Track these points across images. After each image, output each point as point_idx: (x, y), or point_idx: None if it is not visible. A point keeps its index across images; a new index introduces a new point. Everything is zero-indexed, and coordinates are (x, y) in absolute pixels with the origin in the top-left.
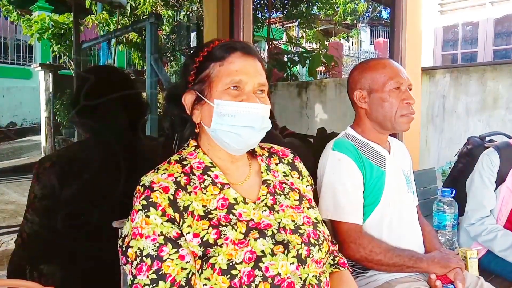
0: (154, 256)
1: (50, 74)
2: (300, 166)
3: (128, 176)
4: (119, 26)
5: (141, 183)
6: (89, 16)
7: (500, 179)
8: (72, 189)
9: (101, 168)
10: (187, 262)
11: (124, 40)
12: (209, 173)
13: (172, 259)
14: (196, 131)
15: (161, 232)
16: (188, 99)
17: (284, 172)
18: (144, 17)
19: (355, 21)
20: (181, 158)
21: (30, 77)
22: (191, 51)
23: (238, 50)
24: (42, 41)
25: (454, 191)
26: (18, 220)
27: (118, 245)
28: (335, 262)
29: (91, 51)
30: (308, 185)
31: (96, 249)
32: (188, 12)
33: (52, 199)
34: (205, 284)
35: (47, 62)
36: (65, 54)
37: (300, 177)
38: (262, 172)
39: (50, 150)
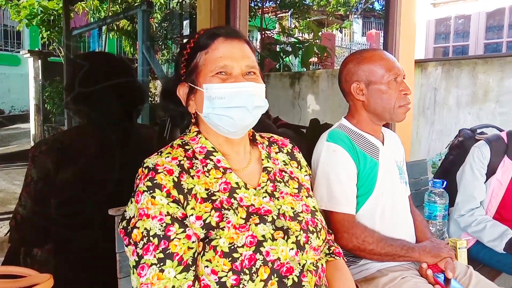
0: (161, 236)
1: (40, 61)
2: (299, 156)
3: (123, 163)
4: (110, 13)
5: (144, 165)
6: (80, 2)
7: (491, 171)
8: (67, 174)
9: (96, 154)
10: (193, 242)
11: (115, 28)
12: (211, 157)
13: (179, 239)
14: (192, 121)
15: (168, 212)
16: (182, 91)
17: (284, 161)
18: (136, 4)
19: (348, 12)
20: (184, 142)
21: (18, 63)
22: (182, 45)
23: (221, 35)
24: (30, 27)
25: (445, 183)
26: (8, 208)
27: (121, 227)
28: (331, 251)
29: (81, 38)
30: (307, 175)
31: (91, 236)
32: (180, 0)
33: (47, 183)
34: (207, 266)
35: (36, 49)
36: (54, 41)
37: (299, 167)
38: (262, 159)
39: (39, 138)
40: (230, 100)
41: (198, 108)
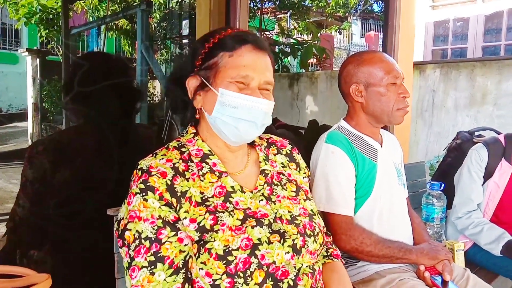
0: (153, 239)
1: (38, 59)
2: (298, 157)
3: (122, 163)
4: (109, 13)
5: (138, 167)
6: (79, 1)
7: (488, 174)
8: (64, 175)
9: (94, 154)
10: (185, 245)
11: (114, 27)
12: (207, 160)
13: (171, 242)
14: (197, 116)
15: (159, 215)
16: (192, 83)
17: (282, 163)
18: (135, 3)
19: (346, 14)
20: (180, 144)
21: (16, 62)
22: (204, 36)
23: (249, 42)
24: (29, 25)
25: (443, 185)
26: (5, 206)
27: (115, 229)
28: (329, 253)
29: (80, 37)
30: (305, 177)
31: (89, 237)
32: (180, 0)
33: (44, 184)
34: (201, 268)
35: (35, 48)
36: (53, 40)
37: (298, 169)
38: (260, 162)
39: (37, 137)
40: (242, 111)
41: (205, 107)
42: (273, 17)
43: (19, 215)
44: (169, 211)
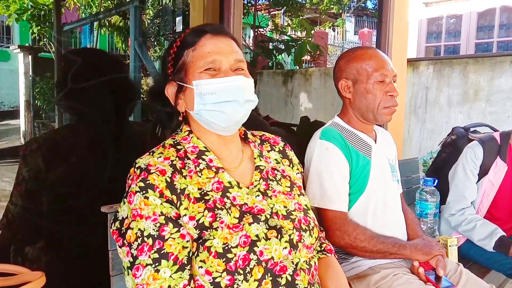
0: (156, 236)
1: (30, 56)
2: (291, 154)
3: (116, 161)
4: (102, 9)
5: (136, 165)
6: None
7: (483, 172)
8: (58, 173)
9: (88, 152)
10: (187, 241)
11: (107, 24)
12: (203, 157)
13: (174, 238)
14: (180, 119)
15: (161, 212)
16: (170, 90)
17: (276, 159)
18: (128, 0)
19: (340, 11)
20: (175, 142)
21: (8, 59)
22: (168, 45)
23: (208, 32)
24: (20, 22)
25: (436, 181)
26: None
27: (115, 228)
28: (322, 248)
29: (72, 34)
30: (298, 173)
31: (83, 234)
32: None
33: (38, 182)
34: (201, 267)
35: (27, 44)
36: (45, 36)
37: (291, 165)
38: (255, 158)
39: (29, 135)
40: (221, 95)
41: (188, 106)
42: (267, 14)
43: (11, 212)
44: (171, 208)
